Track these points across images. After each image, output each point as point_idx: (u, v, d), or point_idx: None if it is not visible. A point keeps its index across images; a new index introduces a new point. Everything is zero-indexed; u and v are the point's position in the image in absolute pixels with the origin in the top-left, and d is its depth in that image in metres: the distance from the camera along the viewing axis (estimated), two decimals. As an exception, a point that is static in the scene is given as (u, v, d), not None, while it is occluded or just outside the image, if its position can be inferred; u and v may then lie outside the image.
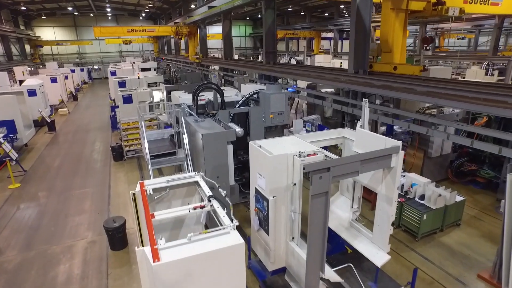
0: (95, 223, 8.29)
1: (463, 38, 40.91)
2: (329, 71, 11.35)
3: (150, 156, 7.39)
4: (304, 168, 3.98)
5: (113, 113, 16.81)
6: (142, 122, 7.53)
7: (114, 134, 16.54)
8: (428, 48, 9.65)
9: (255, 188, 5.54)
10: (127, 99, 13.91)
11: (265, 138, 8.48)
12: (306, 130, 11.39)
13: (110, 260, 6.86)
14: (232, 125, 7.52)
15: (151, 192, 4.70)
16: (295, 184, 5.07)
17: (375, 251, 5.41)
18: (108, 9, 40.26)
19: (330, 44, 41.93)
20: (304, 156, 4.95)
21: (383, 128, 11.15)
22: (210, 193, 4.53)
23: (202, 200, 4.95)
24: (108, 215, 8.69)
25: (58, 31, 44.82)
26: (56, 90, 23.52)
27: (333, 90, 13.55)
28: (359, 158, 4.35)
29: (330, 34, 40.04)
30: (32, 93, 17.74)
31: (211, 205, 4.31)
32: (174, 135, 8.18)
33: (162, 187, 4.93)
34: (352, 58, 9.40)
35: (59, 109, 22.65)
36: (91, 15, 43.14)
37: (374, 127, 10.26)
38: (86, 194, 9.98)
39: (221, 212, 4.07)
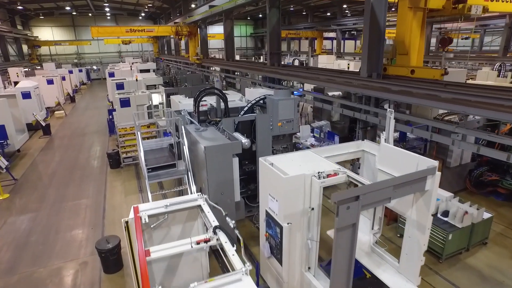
0: (87, 240, 7.62)
1: (467, 38, 40.18)
2: (338, 74, 10.68)
3: (148, 169, 6.73)
4: (330, 199, 3.32)
5: (110, 117, 16.15)
6: (139, 133, 6.85)
7: (111, 138, 15.87)
8: (446, 50, 8.99)
9: (266, 211, 4.88)
10: (125, 103, 13.22)
11: (272, 148, 7.87)
12: (314, 137, 10.73)
13: (103, 285, 6.19)
14: (237, 135, 6.85)
15: (147, 220, 4.04)
16: (313, 209, 4.41)
17: (403, 283, 4.75)
18: (107, 9, 39.59)
19: (332, 44, 41.30)
20: (323, 177, 4.30)
21: (396, 134, 10.48)
22: (216, 223, 3.87)
23: (206, 227, 4.31)
24: (103, 230, 8.05)
25: (56, 31, 44.10)
26: (52, 92, 22.82)
27: (340, 93, 12.88)
28: (392, 183, 3.69)
29: (331, 34, 39.36)
30: (26, 95, 17.07)
31: (217, 239, 3.65)
32: (174, 145, 7.51)
33: (159, 213, 4.27)
34: (365, 61, 8.74)
35: (56, 112, 21.96)
36: (90, 15, 42.43)
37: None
38: (80, 206, 9.30)
39: (230, 249, 3.41)
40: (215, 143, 6.24)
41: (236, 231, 3.63)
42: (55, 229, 8.12)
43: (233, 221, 3.78)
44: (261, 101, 8.19)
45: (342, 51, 35.75)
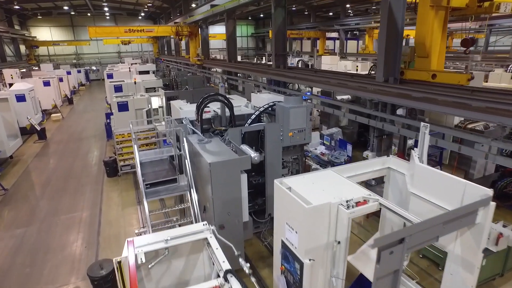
0: (80, 262, 6.96)
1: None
2: (350, 77, 10.02)
3: (146, 185, 6.06)
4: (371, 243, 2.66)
5: (108, 120, 15.47)
6: (135, 146, 6.18)
7: (109, 143, 15.21)
8: (468, 51, 8.36)
9: (282, 242, 4.21)
10: (123, 107, 12.52)
11: (282, 159, 7.21)
12: (324, 145, 10.07)
13: (96, 316, 5.54)
14: (245, 148, 6.18)
15: (143, 260, 3.37)
16: (339, 243, 3.75)
17: (442, 326, 4.09)
18: (106, 9, 38.93)
19: (334, 45, 40.62)
20: (352, 206, 3.64)
21: (410, 142, 9.82)
22: (227, 264, 3.21)
23: (213, 261, 3.64)
24: (97, 249, 7.39)
25: (54, 31, 43.43)
26: (49, 94, 22.12)
27: (349, 97, 12.21)
28: (442, 220, 3.03)
29: (333, 34, 38.71)
30: (20, 98, 16.37)
31: (230, 287, 2.99)
32: (175, 157, 6.84)
33: (158, 248, 3.61)
34: (382, 64, 8.08)
35: (52, 115, 21.26)
36: (89, 14, 41.78)
37: (402, 143, 8.98)
38: (73, 220, 8.64)
39: (245, 305, 2.74)
40: (221, 158, 5.58)
41: (253, 279, 2.96)
42: (44, 248, 7.46)
43: (248, 264, 3.12)
44: (269, 108, 7.52)
45: (345, 51, 35.06)
